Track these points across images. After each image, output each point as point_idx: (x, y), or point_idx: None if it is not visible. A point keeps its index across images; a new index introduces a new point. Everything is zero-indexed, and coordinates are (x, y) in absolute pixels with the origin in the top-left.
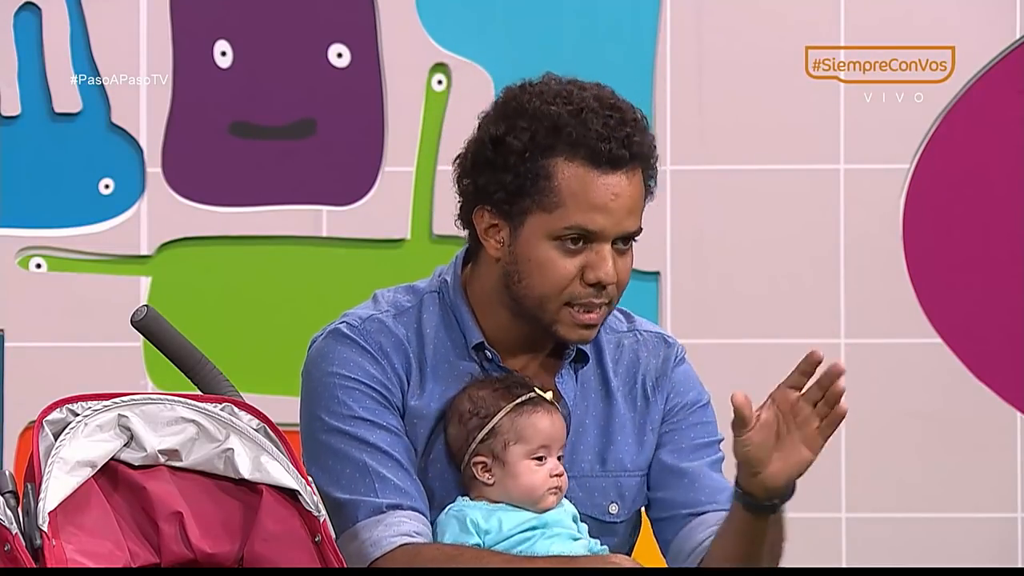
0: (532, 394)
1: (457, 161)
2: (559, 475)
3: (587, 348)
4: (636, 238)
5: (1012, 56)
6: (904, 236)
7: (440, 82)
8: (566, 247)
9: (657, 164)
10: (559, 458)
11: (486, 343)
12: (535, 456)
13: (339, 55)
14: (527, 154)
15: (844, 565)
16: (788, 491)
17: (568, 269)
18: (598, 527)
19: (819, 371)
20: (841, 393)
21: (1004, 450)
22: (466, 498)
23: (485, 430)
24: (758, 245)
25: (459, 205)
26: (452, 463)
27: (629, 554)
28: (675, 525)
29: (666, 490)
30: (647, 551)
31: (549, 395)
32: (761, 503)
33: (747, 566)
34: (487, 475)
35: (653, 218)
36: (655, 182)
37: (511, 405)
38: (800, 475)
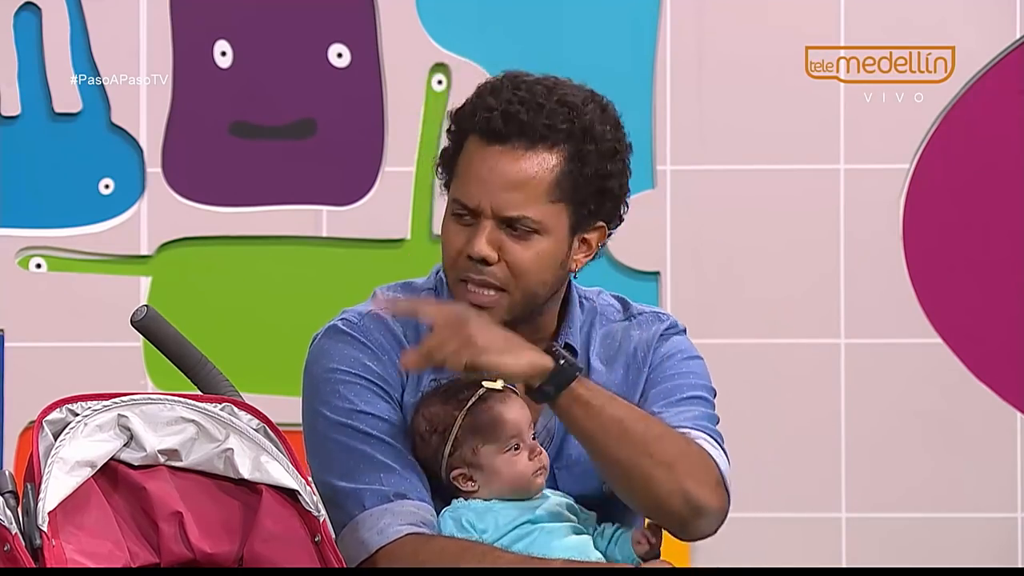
0: (481, 391)
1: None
2: (539, 454)
3: (576, 341)
4: (532, 226)
5: (1012, 56)
6: (904, 236)
7: (440, 82)
8: (457, 220)
9: (588, 145)
10: (533, 438)
11: None
12: (508, 449)
13: (339, 55)
14: (451, 136)
15: (844, 565)
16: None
17: (457, 240)
18: (596, 503)
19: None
20: None
21: (1004, 450)
22: (460, 499)
23: (449, 444)
24: (758, 245)
25: None
26: None
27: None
28: None
29: None
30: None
31: (500, 383)
32: None
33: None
34: (470, 483)
35: (653, 218)
36: (587, 169)
37: (463, 411)
38: None
